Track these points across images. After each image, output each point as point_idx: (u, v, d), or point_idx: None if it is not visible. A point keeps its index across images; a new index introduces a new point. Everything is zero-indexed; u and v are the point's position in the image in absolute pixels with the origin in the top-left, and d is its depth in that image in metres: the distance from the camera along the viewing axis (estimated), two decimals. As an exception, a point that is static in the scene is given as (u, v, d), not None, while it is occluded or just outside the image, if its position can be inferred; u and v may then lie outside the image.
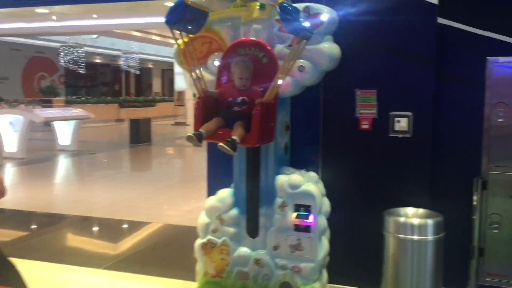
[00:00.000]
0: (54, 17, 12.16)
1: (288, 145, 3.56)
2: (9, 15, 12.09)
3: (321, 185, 3.48)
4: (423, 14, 3.34)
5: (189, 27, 3.15)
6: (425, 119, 3.39)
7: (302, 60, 3.23)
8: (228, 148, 2.88)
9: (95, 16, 12.37)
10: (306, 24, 2.89)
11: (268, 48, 3.24)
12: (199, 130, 3.00)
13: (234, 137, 2.92)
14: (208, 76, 3.47)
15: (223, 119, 3.14)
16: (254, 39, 3.30)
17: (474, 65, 3.38)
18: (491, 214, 3.40)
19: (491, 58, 3.32)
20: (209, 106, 3.19)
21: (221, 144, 2.89)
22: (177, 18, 3.02)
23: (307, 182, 3.29)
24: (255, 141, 3.05)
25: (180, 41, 3.21)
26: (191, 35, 3.23)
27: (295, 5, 3.19)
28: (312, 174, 3.50)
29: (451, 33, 3.41)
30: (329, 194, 3.50)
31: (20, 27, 13.69)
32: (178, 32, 3.11)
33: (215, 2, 3.11)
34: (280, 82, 3.02)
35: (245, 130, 3.01)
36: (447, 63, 3.43)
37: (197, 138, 2.95)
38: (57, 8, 10.16)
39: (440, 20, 3.39)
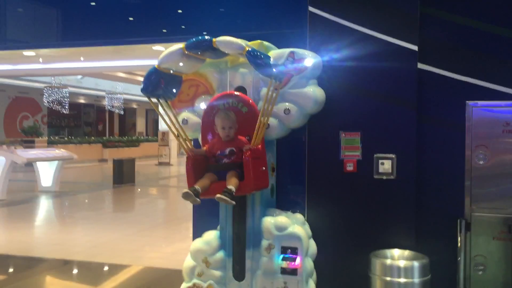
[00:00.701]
0: (40, 60, 12.22)
1: (275, 186, 3.58)
2: (-4, 58, 12.11)
3: (307, 227, 3.48)
4: (404, 59, 3.46)
5: (166, 92, 3.23)
6: (408, 161, 3.45)
7: (287, 103, 3.30)
8: (227, 198, 2.86)
9: (82, 58, 12.46)
10: (276, 66, 2.98)
11: (244, 97, 3.31)
12: (194, 186, 2.99)
13: (229, 187, 2.93)
14: (195, 119, 3.51)
15: (215, 173, 3.15)
16: (228, 92, 3.39)
17: (454, 109, 3.48)
18: (476, 255, 3.42)
19: (470, 102, 3.43)
20: (199, 161, 3.21)
21: (219, 195, 2.86)
22: (153, 85, 3.11)
23: (294, 224, 3.29)
24: (251, 188, 3.05)
25: (159, 108, 3.26)
26: (169, 100, 3.30)
27: (280, 50, 3.30)
28: (299, 215, 3.51)
29: (432, 78, 3.53)
30: (315, 236, 3.50)
31: (6, 69, 13.71)
32: (156, 99, 3.18)
33: (185, 65, 3.19)
34: (263, 125, 3.06)
35: (238, 179, 3.01)
36: (428, 107, 3.53)
37: (194, 194, 2.92)
38: (44, 50, 10.22)
39: (421, 66, 3.51)
